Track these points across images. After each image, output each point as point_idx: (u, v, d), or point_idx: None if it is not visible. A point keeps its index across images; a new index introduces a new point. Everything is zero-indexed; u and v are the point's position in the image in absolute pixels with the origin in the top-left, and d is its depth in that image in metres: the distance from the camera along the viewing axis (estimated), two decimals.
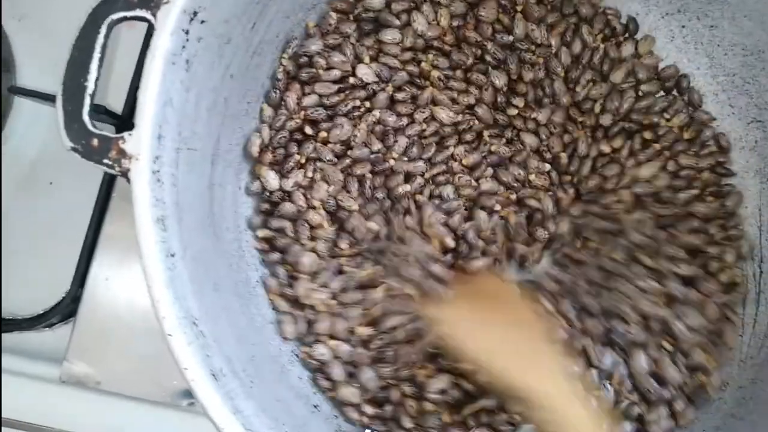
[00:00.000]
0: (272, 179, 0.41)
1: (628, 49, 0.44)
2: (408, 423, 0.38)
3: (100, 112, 0.45)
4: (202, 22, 0.33)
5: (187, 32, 0.32)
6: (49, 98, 0.46)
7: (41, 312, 0.45)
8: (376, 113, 0.42)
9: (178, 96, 0.32)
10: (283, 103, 0.42)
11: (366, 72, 0.42)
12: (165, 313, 0.29)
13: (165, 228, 0.31)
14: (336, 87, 0.42)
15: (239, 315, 0.37)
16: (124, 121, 0.46)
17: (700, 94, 0.44)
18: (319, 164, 0.41)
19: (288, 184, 0.41)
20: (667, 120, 0.43)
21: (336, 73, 0.42)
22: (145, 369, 0.44)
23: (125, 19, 0.31)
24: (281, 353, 0.39)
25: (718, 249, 0.41)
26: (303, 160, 0.41)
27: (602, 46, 0.44)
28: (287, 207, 0.41)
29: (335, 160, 0.41)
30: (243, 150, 0.41)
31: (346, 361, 0.39)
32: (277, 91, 0.41)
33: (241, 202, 0.41)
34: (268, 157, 0.41)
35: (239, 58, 0.37)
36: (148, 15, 0.31)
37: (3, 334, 0.45)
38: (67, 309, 0.45)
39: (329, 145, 0.42)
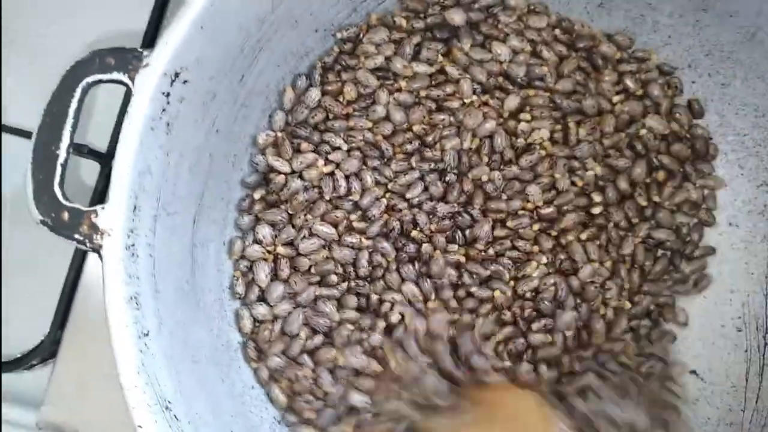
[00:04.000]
0: (278, 162, 0.39)
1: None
2: None
3: (83, 152, 0.43)
4: (185, 82, 0.31)
5: (167, 95, 0.30)
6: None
7: (19, 356, 0.43)
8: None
9: (157, 162, 0.30)
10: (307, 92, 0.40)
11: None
12: (135, 402, 0.28)
13: (138, 306, 0.29)
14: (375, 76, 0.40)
15: (218, 384, 0.35)
16: (109, 159, 0.44)
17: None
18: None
19: (297, 165, 0.39)
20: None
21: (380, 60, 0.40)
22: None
23: (101, 82, 0.29)
24: (262, 422, 0.37)
25: None
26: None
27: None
28: (294, 184, 0.39)
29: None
30: (228, 202, 0.39)
31: None
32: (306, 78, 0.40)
33: (224, 259, 0.39)
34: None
35: (226, 113, 0.35)
36: (125, 79, 0.29)
37: None
38: (46, 351, 0.43)
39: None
